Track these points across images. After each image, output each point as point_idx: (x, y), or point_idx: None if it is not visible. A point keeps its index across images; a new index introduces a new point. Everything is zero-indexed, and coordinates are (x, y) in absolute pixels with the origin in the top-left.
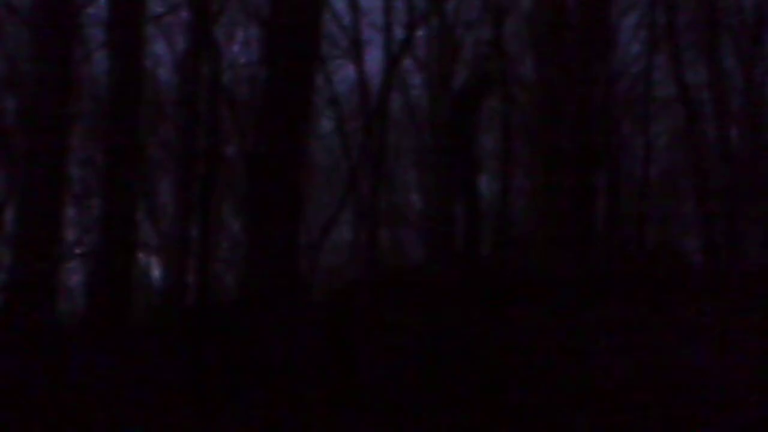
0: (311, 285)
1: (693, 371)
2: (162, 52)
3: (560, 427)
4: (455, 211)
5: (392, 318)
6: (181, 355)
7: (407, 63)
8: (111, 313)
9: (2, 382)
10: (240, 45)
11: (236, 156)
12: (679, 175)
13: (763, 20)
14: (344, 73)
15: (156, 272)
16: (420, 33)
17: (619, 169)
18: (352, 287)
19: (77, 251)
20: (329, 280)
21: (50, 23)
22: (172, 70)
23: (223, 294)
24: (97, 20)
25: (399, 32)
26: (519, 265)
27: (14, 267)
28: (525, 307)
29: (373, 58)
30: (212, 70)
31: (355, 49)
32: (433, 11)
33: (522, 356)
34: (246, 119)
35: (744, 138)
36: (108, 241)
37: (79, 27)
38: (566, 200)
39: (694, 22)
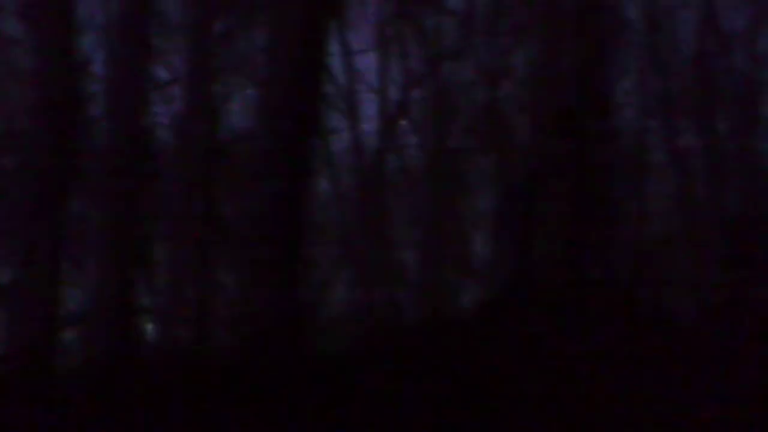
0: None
1: None
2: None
3: None
4: None
5: None
6: None
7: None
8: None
9: None
10: (238, 105)
11: (233, 217)
12: (675, 238)
13: (756, 86)
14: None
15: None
16: (415, 95)
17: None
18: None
19: None
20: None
21: None
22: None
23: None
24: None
25: (395, 93)
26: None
27: None
28: None
29: (369, 119)
30: (209, 131)
31: (351, 110)
32: (429, 73)
33: None
34: (243, 179)
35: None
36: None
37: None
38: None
39: (688, 88)
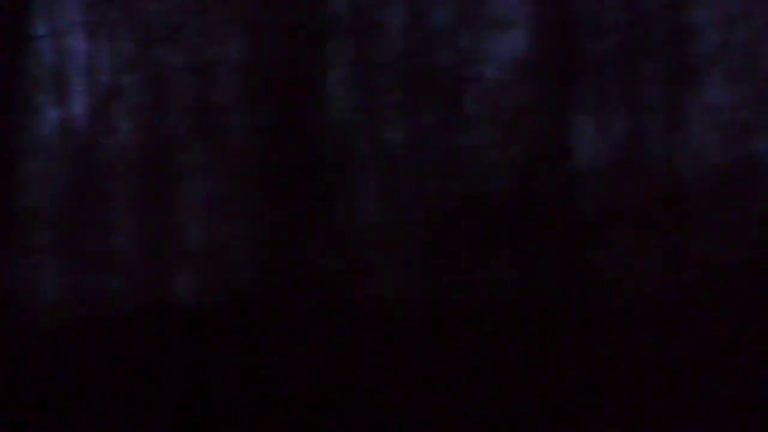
0: None
1: None
2: None
3: None
4: None
5: None
6: None
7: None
8: None
9: None
10: None
11: None
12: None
13: (461, 83)
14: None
15: None
16: (128, 79)
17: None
18: None
19: None
20: None
21: None
22: None
23: None
24: None
25: (106, 76)
26: None
27: None
28: None
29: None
30: None
31: (60, 91)
32: (140, 58)
33: None
34: None
35: None
36: None
37: None
38: None
39: (395, 82)
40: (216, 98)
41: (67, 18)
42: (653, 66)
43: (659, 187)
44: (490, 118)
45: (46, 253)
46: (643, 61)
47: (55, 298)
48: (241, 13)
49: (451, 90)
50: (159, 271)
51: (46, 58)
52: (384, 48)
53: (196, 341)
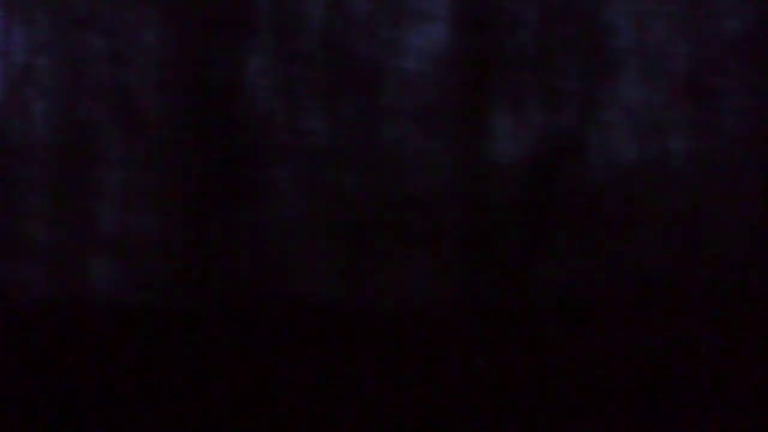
0: None
1: None
2: None
3: None
4: None
5: None
6: None
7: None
8: None
9: None
10: None
11: None
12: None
13: (379, 72)
14: None
15: None
16: (43, 62)
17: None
18: None
19: None
20: None
21: None
22: None
23: None
24: None
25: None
26: None
27: None
28: None
29: None
30: None
31: None
32: (54, 41)
33: None
34: None
35: None
36: None
37: None
38: None
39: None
40: (134, 85)
41: None
42: (570, 61)
43: (573, 185)
44: (411, 110)
45: None
46: (559, 57)
47: None
48: (161, 1)
49: (371, 81)
50: (74, 260)
51: None
52: (304, 38)
53: (109, 336)
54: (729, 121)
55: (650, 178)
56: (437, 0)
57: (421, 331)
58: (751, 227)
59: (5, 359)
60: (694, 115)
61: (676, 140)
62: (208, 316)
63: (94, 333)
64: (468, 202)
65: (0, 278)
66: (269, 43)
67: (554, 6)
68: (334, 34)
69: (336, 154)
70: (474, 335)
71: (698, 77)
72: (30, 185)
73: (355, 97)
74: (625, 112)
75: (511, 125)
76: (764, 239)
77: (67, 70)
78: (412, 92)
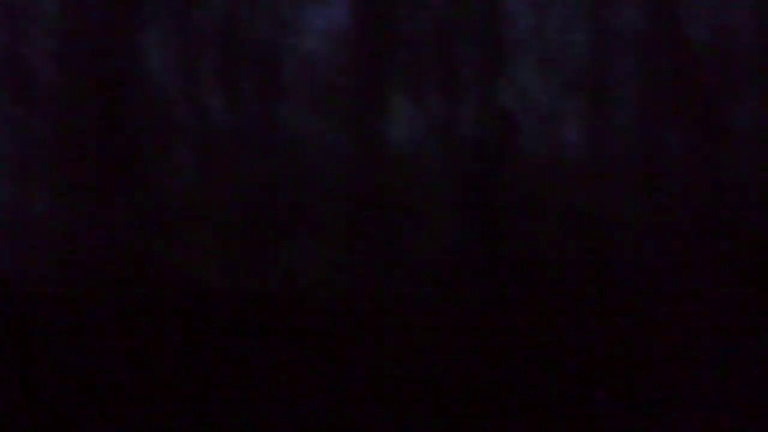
0: None
1: None
2: None
3: None
4: None
5: None
6: None
7: None
8: None
9: None
10: None
11: None
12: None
13: (279, 51)
14: None
15: None
16: None
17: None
18: None
19: None
20: None
21: None
22: None
23: None
24: None
25: None
26: None
27: None
28: None
29: None
30: None
31: None
32: None
33: None
34: None
35: None
36: None
37: None
38: None
39: (214, 48)
40: (26, 53)
41: None
42: (467, 48)
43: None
44: (308, 90)
45: None
46: (457, 43)
47: None
48: None
49: (269, 60)
50: None
51: None
52: (203, 13)
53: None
54: (621, 113)
55: (546, 167)
56: None
57: (309, 318)
58: (640, 218)
59: None
60: (589, 105)
61: (570, 131)
62: (98, 301)
63: None
64: (362, 186)
65: None
66: (167, 19)
67: None
68: (234, 11)
69: (233, 133)
70: (361, 324)
71: (595, 67)
72: None
73: (254, 75)
74: (521, 100)
75: (408, 109)
76: (651, 230)
77: None
78: (310, 73)
